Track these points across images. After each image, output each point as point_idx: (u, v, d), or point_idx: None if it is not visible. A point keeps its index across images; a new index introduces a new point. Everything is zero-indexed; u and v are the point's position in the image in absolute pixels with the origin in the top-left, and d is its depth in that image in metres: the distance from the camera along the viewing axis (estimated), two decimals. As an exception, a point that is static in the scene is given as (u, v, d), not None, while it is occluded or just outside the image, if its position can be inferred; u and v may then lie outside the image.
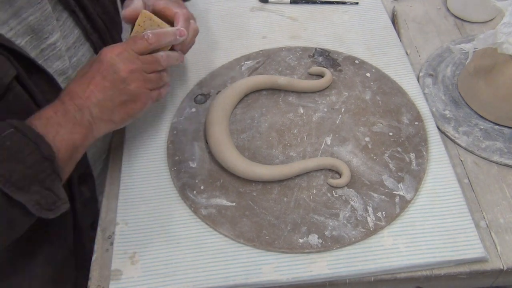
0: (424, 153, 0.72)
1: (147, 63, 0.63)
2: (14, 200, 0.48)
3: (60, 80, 0.65)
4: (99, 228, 0.67)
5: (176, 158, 0.72)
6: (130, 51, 0.61)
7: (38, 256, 0.69)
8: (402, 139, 0.73)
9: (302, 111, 0.78)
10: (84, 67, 0.61)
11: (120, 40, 0.80)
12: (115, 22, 0.79)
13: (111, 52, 0.60)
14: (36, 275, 0.70)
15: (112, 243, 0.65)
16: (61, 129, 0.54)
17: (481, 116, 0.78)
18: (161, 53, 0.65)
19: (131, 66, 0.60)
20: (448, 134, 0.76)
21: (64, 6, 0.65)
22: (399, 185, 0.68)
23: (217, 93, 0.80)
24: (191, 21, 0.72)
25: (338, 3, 0.99)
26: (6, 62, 0.53)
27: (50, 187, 0.51)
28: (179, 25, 0.68)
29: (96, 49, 0.72)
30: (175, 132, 0.76)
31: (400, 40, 0.91)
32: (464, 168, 0.72)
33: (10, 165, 0.49)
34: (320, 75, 0.83)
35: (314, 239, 0.63)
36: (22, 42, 0.58)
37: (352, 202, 0.66)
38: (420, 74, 0.85)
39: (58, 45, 0.64)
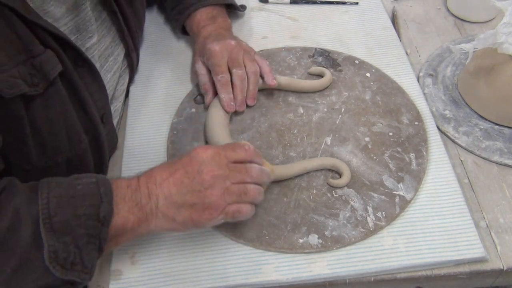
0: (424, 153, 0.72)
1: (235, 171, 0.57)
2: (41, 238, 0.48)
3: None
4: (99, 228, 0.67)
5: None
6: (222, 156, 0.57)
7: None
8: (402, 139, 0.73)
9: (302, 111, 0.78)
10: (176, 158, 0.59)
11: (139, 44, 0.85)
12: (141, 26, 0.83)
13: (203, 152, 0.57)
14: None
15: (112, 243, 0.65)
16: (123, 203, 0.53)
17: (481, 116, 0.78)
18: (254, 165, 0.59)
19: (217, 172, 0.56)
20: (448, 134, 0.76)
21: (103, 7, 0.68)
22: (399, 185, 0.68)
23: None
24: (235, 71, 0.76)
25: (338, 3, 0.99)
26: (54, 57, 0.55)
27: (81, 247, 0.50)
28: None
29: (128, 50, 0.76)
30: (175, 132, 0.76)
31: (400, 40, 0.91)
32: (464, 168, 0.72)
33: (62, 205, 0.49)
34: (320, 75, 0.83)
35: (314, 239, 0.63)
36: (71, 39, 0.60)
37: (352, 202, 0.66)
38: (420, 74, 0.85)
39: (101, 45, 0.67)
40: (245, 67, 0.77)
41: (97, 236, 0.50)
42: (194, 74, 0.82)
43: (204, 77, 0.79)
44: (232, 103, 0.75)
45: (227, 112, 0.75)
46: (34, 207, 0.49)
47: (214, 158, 0.57)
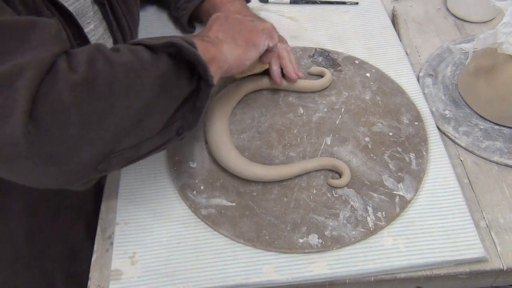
0: (424, 153, 0.72)
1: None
2: (158, 54, 0.52)
3: None
4: (99, 228, 0.67)
5: (176, 158, 0.72)
6: None
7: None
8: (402, 139, 0.73)
9: (302, 111, 0.78)
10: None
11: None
12: (135, 23, 0.83)
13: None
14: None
15: (112, 243, 0.65)
16: (192, 38, 0.57)
17: (481, 116, 0.78)
18: None
19: (238, 16, 0.69)
20: (448, 134, 0.76)
21: None
22: (399, 185, 0.68)
23: (217, 93, 0.80)
24: (279, 45, 0.78)
25: (338, 3, 0.99)
26: (60, 25, 0.57)
27: (195, 55, 0.53)
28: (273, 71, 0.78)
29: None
30: (175, 132, 0.76)
31: (400, 40, 0.91)
32: (464, 168, 0.72)
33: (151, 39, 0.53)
34: (320, 75, 0.83)
35: (314, 239, 0.63)
36: None
37: (352, 202, 0.66)
38: (420, 74, 0.85)
39: (95, 33, 0.68)
40: None
41: (197, 56, 0.53)
42: None
43: (275, 30, 0.81)
44: (281, 76, 0.79)
45: (277, 84, 0.79)
46: (133, 46, 0.52)
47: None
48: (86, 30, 0.66)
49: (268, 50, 0.72)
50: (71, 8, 0.62)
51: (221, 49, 0.61)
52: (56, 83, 0.44)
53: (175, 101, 0.54)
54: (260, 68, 0.77)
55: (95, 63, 0.46)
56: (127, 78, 0.48)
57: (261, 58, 0.73)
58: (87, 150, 0.46)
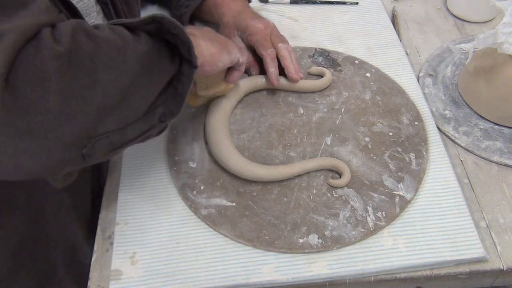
0: (424, 153, 0.72)
1: None
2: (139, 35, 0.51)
3: None
4: (99, 228, 0.67)
5: (176, 158, 0.72)
6: None
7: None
8: (402, 139, 0.73)
9: (302, 111, 0.78)
10: None
11: None
12: None
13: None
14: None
15: (112, 243, 0.65)
16: None
17: (481, 116, 0.78)
18: None
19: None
20: (448, 134, 0.76)
21: None
22: (399, 185, 0.68)
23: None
24: (281, 45, 0.80)
25: (338, 3, 0.99)
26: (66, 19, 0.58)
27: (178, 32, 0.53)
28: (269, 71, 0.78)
29: None
30: (175, 132, 0.76)
31: (400, 40, 0.91)
32: (464, 168, 0.72)
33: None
34: (320, 75, 0.83)
35: (314, 239, 0.63)
36: None
37: (352, 202, 0.66)
38: (420, 74, 0.85)
39: None
40: None
41: (183, 32, 0.53)
42: None
43: (245, 51, 0.82)
44: (278, 78, 0.79)
45: (274, 85, 0.79)
46: (113, 26, 0.51)
47: None
48: None
49: (235, 69, 0.71)
50: (77, 7, 0.62)
51: (198, 42, 0.60)
52: (40, 51, 0.42)
53: (157, 81, 0.54)
54: (225, 88, 0.74)
55: (78, 36, 0.45)
56: (109, 52, 0.47)
57: (226, 76, 0.72)
58: (68, 125, 0.44)
